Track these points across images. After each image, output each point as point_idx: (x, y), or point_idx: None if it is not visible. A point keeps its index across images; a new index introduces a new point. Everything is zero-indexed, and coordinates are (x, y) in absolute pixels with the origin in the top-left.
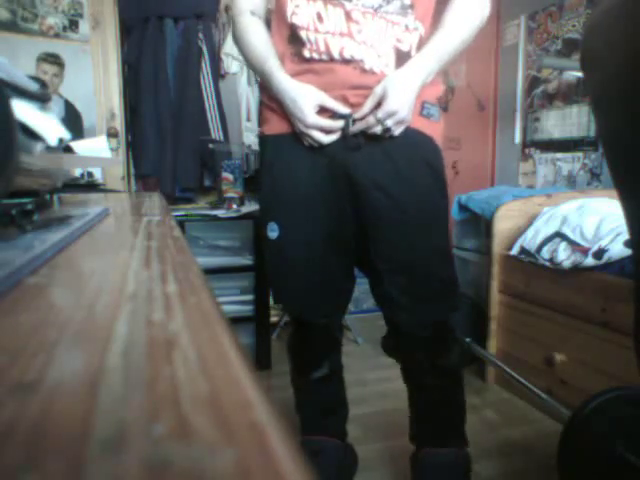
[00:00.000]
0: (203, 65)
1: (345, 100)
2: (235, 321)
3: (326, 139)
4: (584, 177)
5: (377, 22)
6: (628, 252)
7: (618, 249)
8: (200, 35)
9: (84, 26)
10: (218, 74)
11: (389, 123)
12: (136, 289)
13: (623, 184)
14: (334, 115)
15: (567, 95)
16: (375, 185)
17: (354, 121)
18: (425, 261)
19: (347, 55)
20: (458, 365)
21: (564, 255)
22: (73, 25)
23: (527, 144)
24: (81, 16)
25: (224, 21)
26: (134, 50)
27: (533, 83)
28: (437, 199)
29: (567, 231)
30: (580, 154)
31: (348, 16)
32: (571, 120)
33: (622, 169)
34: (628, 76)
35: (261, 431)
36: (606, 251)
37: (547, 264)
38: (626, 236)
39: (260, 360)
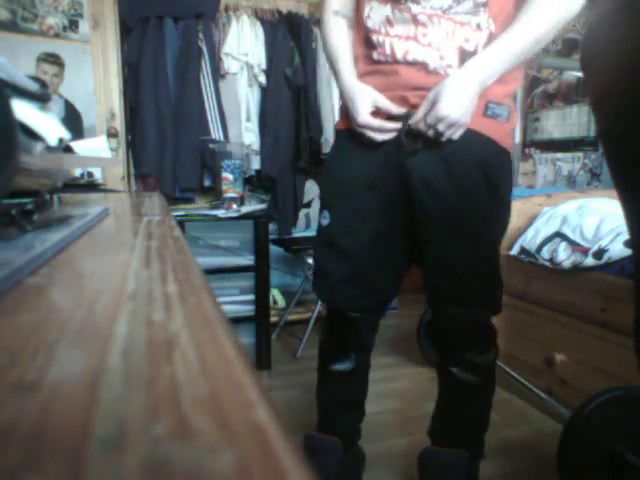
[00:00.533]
0: (203, 65)
1: (405, 101)
2: (235, 321)
3: (379, 137)
4: (584, 177)
5: (444, 24)
6: (628, 252)
7: (618, 249)
8: (200, 35)
9: (84, 26)
10: (218, 74)
11: (440, 127)
12: (136, 289)
13: (623, 184)
14: (391, 116)
15: (567, 95)
16: (426, 186)
17: (409, 125)
18: (466, 265)
19: (410, 58)
20: (491, 365)
21: (564, 255)
22: (73, 25)
23: (527, 144)
24: (81, 16)
25: (224, 21)
26: (134, 50)
27: (533, 83)
28: (486, 204)
29: (567, 231)
30: (580, 154)
31: (415, 19)
32: (571, 120)
33: (622, 169)
34: (628, 76)
35: (261, 431)
36: (606, 251)
37: (547, 264)
38: (626, 236)
39: (260, 360)
